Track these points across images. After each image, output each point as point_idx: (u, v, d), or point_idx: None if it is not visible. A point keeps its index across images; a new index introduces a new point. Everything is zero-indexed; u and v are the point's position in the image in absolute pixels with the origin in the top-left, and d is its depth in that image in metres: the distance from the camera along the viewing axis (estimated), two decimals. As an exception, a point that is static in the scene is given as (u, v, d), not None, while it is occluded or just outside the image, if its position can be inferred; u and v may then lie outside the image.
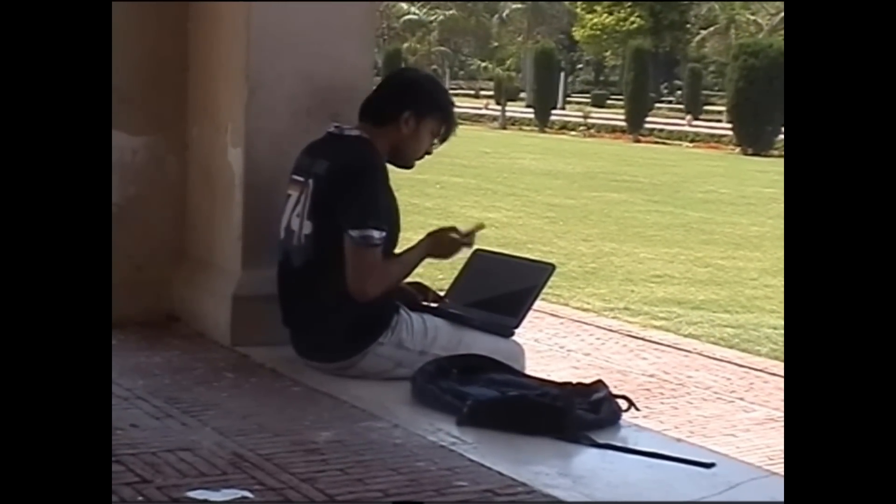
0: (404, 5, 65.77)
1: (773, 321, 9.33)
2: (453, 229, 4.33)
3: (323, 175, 4.12)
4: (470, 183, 19.79)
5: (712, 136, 40.49)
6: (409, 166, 4.32)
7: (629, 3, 64.54)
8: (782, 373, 7.23)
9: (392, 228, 4.13)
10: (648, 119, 43.57)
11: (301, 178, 4.19)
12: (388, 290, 4.14)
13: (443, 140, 4.33)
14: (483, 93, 65.42)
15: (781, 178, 21.44)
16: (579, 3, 67.99)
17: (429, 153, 4.35)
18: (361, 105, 4.29)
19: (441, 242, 4.28)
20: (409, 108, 4.20)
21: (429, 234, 4.29)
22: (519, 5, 68.24)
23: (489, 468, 3.32)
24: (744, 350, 8.12)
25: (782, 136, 35.84)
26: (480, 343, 4.22)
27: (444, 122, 4.29)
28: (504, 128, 44.93)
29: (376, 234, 4.02)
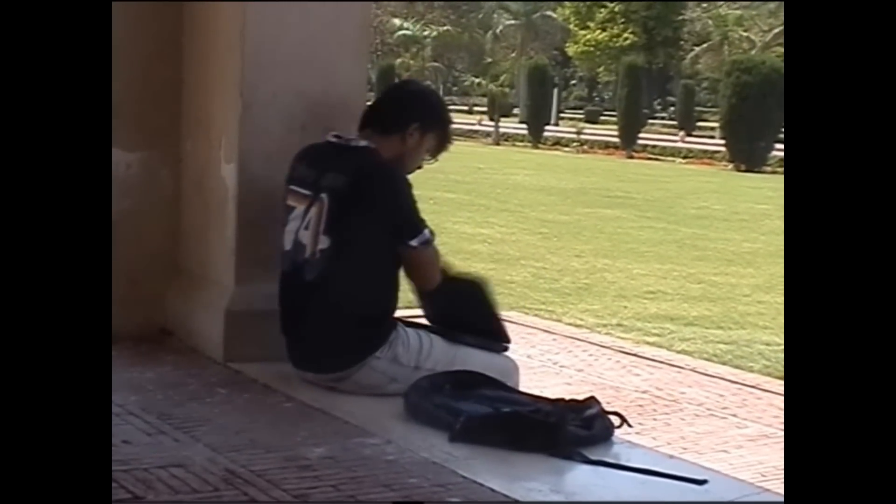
0: (398, 21, 65.84)
1: (765, 337, 9.33)
2: None
3: (343, 189, 4.11)
4: (463, 199, 19.80)
5: (705, 152, 40.55)
6: None
7: (623, 20, 64.70)
8: (775, 389, 7.23)
9: None
10: (642, 135, 43.66)
11: (307, 192, 4.17)
12: None
13: (435, 156, 4.36)
14: (476, 108, 65.52)
15: (774, 194, 21.58)
16: (573, 19, 68.13)
17: (419, 167, 4.37)
18: (365, 113, 4.31)
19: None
20: (417, 120, 4.25)
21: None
22: (513, 21, 68.34)
23: (482, 484, 3.32)
24: (737, 366, 8.11)
25: (775, 153, 35.97)
26: (474, 359, 4.22)
27: (443, 138, 4.33)
28: (497, 143, 44.98)
29: (427, 232, 4.16)
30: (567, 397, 4.18)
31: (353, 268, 4.10)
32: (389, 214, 4.12)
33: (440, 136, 4.32)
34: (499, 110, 50.54)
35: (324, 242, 4.12)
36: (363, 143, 4.20)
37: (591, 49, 65.70)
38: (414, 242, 4.13)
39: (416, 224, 4.14)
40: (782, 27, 53.26)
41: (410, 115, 4.25)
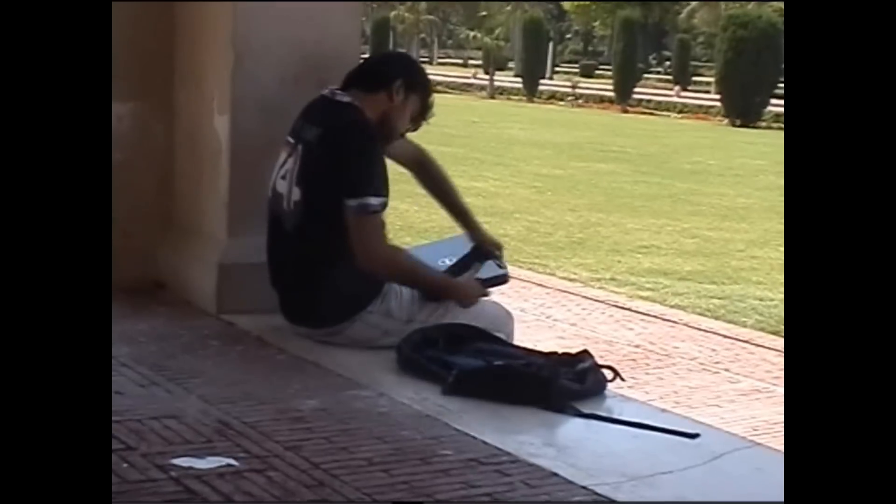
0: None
1: (759, 292, 9.35)
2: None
3: (314, 142, 4.10)
4: (458, 152, 19.75)
5: (700, 107, 40.50)
6: (390, 141, 4.30)
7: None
8: (768, 344, 7.27)
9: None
10: (637, 90, 43.58)
11: (292, 140, 4.18)
12: (390, 277, 4.16)
13: (416, 123, 4.31)
14: (471, 62, 65.34)
15: (769, 149, 21.63)
16: (569, -28, 67.83)
17: (402, 135, 4.34)
18: (349, 74, 4.27)
19: (465, 294, 4.28)
20: (401, 76, 4.21)
21: (459, 286, 4.30)
22: (508, -26, 68.00)
23: (474, 437, 3.33)
24: (730, 321, 8.14)
25: (770, 108, 35.95)
26: (468, 312, 4.21)
27: (424, 103, 4.29)
28: (492, 97, 44.83)
29: (374, 200, 4.02)
30: (560, 351, 4.18)
31: (324, 221, 4.06)
32: (345, 167, 4.05)
33: (422, 99, 4.27)
34: (494, 64, 50.34)
35: (296, 194, 4.10)
36: (347, 98, 4.17)
37: (587, 2, 65.45)
38: (352, 203, 3.99)
39: (362, 185, 4.02)
40: (779, -18, 53.09)
41: (395, 71, 4.23)
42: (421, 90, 4.27)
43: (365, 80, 4.24)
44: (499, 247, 4.56)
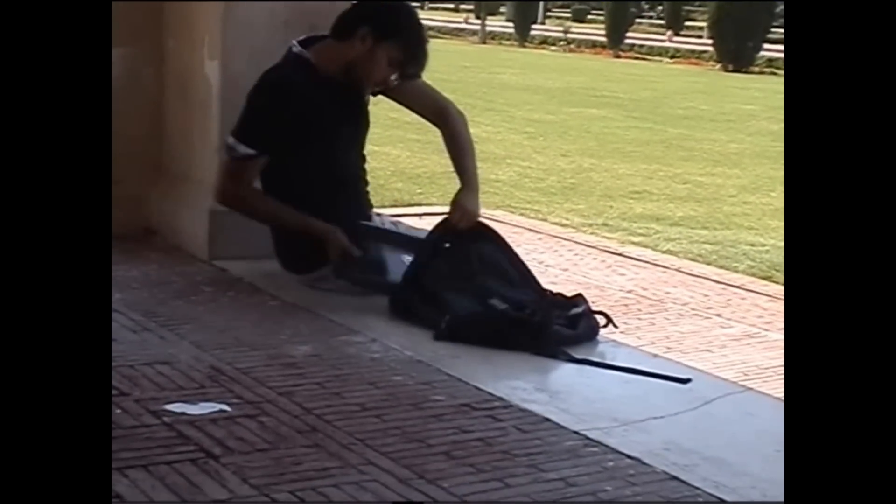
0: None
1: (750, 238, 9.34)
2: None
3: None
4: (449, 97, 19.66)
5: (693, 52, 40.30)
6: (363, 90, 4.23)
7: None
8: (759, 289, 7.26)
9: (288, 149, 4.12)
10: (629, 34, 43.32)
11: None
12: (247, 215, 4.22)
13: (404, 74, 4.17)
14: (463, 7, 64.97)
15: (761, 94, 21.50)
16: (561, -84, 67.37)
17: (386, 85, 4.21)
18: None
19: (336, 248, 4.08)
20: (368, 24, 4.08)
21: (334, 234, 4.07)
22: (500, -82, 67.48)
23: (466, 383, 3.34)
24: (721, 266, 8.11)
25: (763, 53, 35.83)
26: None
27: (406, 51, 4.11)
28: (484, 42, 44.59)
29: (241, 148, 4.09)
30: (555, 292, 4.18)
31: (268, 169, 4.15)
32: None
33: (400, 47, 4.09)
34: (485, 8, 50.05)
35: None
36: (296, 49, 4.16)
37: (579, -53, 65.00)
38: (229, 139, 4.14)
39: (239, 127, 4.12)
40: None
41: (360, 19, 4.11)
42: (396, 37, 4.08)
43: (335, 28, 4.19)
44: (469, 219, 4.15)
